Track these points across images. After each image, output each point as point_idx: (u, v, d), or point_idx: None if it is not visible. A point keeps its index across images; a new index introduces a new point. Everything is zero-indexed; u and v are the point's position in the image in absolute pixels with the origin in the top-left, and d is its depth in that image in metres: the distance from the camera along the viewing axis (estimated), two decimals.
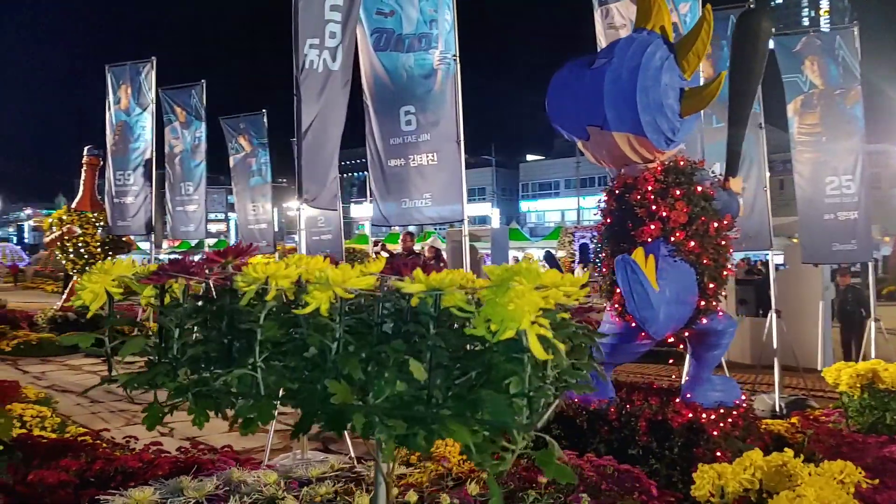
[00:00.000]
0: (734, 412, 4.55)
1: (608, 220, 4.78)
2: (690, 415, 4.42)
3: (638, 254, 4.07)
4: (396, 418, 1.29)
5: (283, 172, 28.03)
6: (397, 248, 14.07)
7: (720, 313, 4.69)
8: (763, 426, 5.94)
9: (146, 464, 4.28)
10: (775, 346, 8.92)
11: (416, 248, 12.28)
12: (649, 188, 4.47)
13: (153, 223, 12.50)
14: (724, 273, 4.61)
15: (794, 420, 6.16)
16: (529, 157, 77.89)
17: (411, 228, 13.12)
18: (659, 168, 4.55)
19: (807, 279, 11.50)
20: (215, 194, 56.00)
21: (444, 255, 17.73)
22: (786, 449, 3.06)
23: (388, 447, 1.32)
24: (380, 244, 13.85)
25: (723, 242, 4.59)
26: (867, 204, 9.11)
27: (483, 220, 62.18)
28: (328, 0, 5.90)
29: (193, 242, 29.74)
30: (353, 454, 5.74)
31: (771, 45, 8.36)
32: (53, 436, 5.60)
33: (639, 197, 4.49)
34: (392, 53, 7.10)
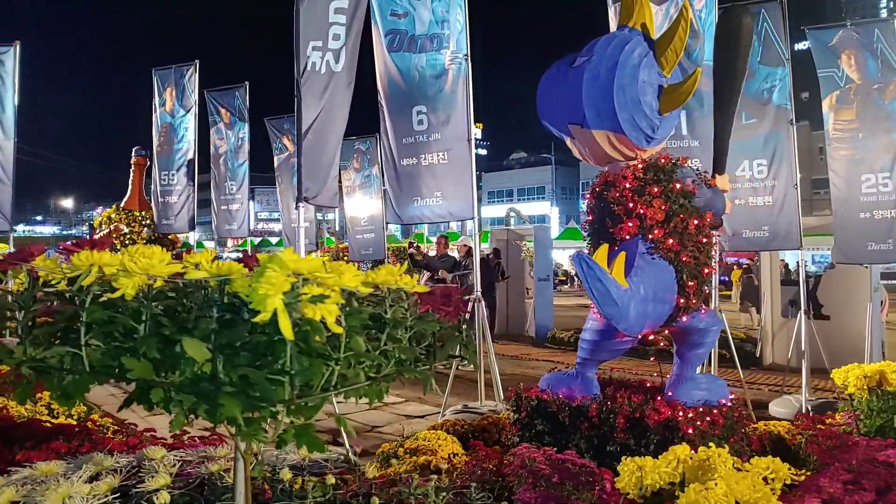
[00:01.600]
0: (714, 411, 4.51)
1: (591, 218, 4.80)
2: (668, 413, 4.40)
3: (601, 251, 4.08)
4: (188, 393, 1.39)
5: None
6: (431, 247, 14.19)
7: (703, 311, 4.66)
8: (763, 427, 5.86)
9: (130, 448, 4.47)
10: (803, 346, 8.72)
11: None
12: (627, 185, 4.47)
13: (195, 221, 12.90)
14: (706, 271, 4.57)
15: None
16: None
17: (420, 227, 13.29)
18: (640, 166, 4.54)
19: (855, 279, 11.21)
20: (271, 194, 57.12)
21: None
22: (781, 453, 3.05)
23: (177, 419, 1.42)
24: (413, 244, 14.03)
25: (704, 240, 4.55)
26: None
27: (542, 219, 61.92)
28: (333, 3, 6.06)
29: (257, 241, 30.49)
30: (348, 447, 5.88)
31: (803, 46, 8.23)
32: (73, 422, 5.89)
33: (617, 194, 4.50)
34: (405, 54, 7.23)
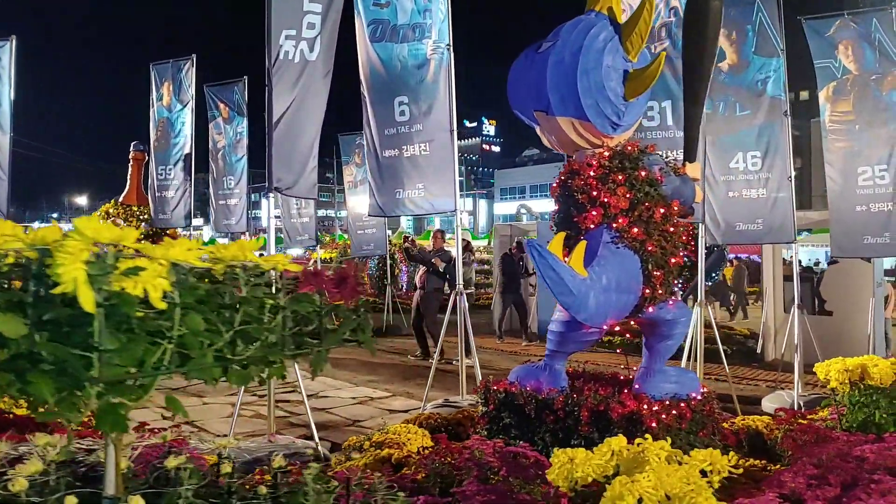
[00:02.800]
0: (682, 404, 4.40)
1: (557, 208, 4.70)
2: (633, 406, 4.30)
3: (556, 239, 3.99)
4: (5, 371, 1.32)
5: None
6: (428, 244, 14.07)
7: (671, 302, 4.55)
8: (741, 422, 5.75)
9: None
10: (796, 341, 8.57)
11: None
12: (591, 174, 4.37)
13: (192, 216, 12.89)
14: (673, 261, 4.46)
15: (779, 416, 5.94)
16: None
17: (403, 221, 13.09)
18: (606, 153, 4.44)
19: (858, 274, 11.04)
20: None
21: (494, 250, 17.66)
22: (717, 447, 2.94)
23: None
24: (408, 239, 13.94)
25: (671, 229, 4.44)
26: None
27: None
28: None
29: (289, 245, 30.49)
30: (317, 441, 5.83)
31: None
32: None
33: (581, 183, 4.40)
34: (387, 44, 7.15)
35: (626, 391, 4.52)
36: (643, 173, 4.34)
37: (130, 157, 14.16)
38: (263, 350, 1.65)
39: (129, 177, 14.25)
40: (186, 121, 12.74)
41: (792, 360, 9.55)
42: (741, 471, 2.87)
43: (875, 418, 5.47)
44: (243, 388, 6.67)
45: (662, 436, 4.25)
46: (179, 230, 13.52)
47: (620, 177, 4.31)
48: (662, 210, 4.37)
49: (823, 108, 9.12)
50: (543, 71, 4.43)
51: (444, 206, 7.07)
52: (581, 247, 4.11)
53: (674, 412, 4.32)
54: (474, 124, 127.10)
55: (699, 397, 4.59)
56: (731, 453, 5.23)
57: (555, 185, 4.65)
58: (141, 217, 14.01)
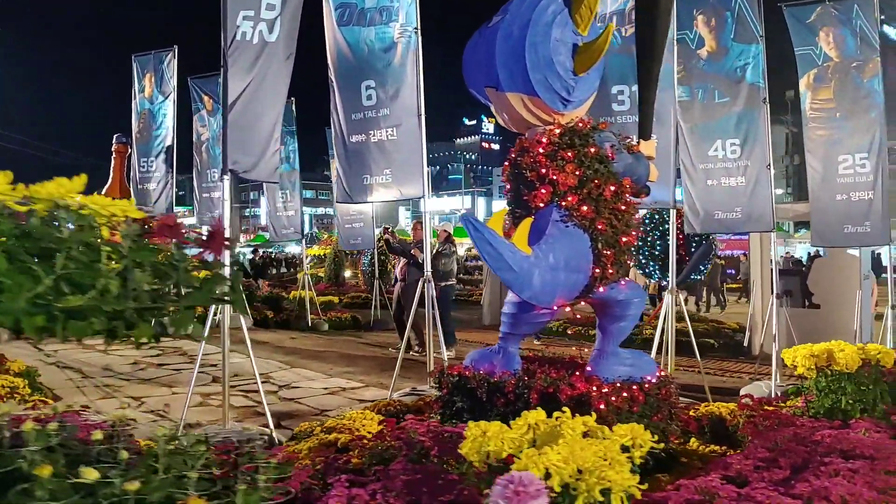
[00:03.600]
0: (634, 387, 4.30)
1: (509, 188, 4.60)
2: (583, 388, 4.20)
3: (496, 216, 3.89)
4: None
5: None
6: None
7: (622, 283, 4.44)
8: (705, 409, 5.64)
9: None
10: (774, 331, 8.46)
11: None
12: (540, 150, 4.26)
13: (172, 208, 12.79)
14: (624, 240, 4.35)
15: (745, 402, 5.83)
16: None
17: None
18: (557, 130, 4.34)
19: (845, 267, 10.94)
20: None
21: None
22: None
23: None
24: (387, 230, 13.82)
25: (622, 207, 4.34)
26: (885, 183, 8.51)
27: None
28: None
29: (266, 235, 30.31)
30: (272, 426, 5.74)
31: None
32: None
33: (530, 160, 4.30)
34: (354, 28, 7.05)
35: (577, 374, 4.42)
36: (593, 150, 4.23)
37: (113, 149, 14.03)
38: (98, 300, 1.54)
39: (111, 169, 14.11)
40: (168, 113, 12.64)
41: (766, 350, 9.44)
42: (662, 446, 2.77)
43: (841, 404, 5.37)
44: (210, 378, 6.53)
45: (612, 419, 4.17)
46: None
47: (569, 153, 4.21)
48: (613, 187, 4.27)
49: (804, 95, 9.02)
50: (492, 46, 4.33)
51: (413, 192, 6.96)
52: (525, 224, 4.01)
53: (624, 395, 4.21)
54: (473, 122, 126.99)
55: (654, 381, 4.48)
56: (693, 439, 5.17)
57: (506, 163, 4.54)
58: None
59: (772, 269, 9.10)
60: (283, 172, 15.16)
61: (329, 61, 7.21)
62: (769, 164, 8.43)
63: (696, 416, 5.44)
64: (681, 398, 7.21)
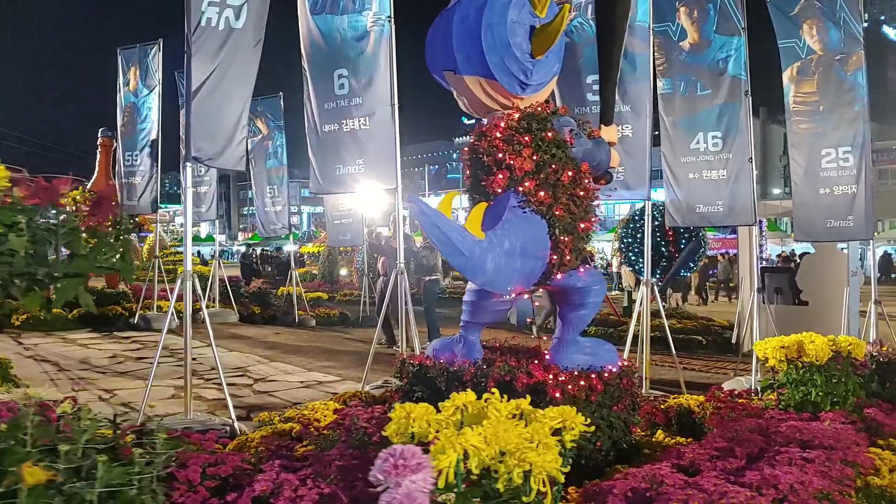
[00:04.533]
0: (593, 376, 4.21)
1: (468, 173, 4.51)
2: (540, 376, 4.12)
3: (444, 200, 3.80)
4: None
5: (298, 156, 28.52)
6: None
7: (581, 270, 4.36)
8: (674, 401, 5.57)
9: None
10: (755, 326, 8.39)
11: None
12: (497, 135, 4.18)
13: (158, 202, 12.73)
14: (583, 226, 4.27)
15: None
16: None
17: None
18: (515, 115, 4.26)
19: (833, 264, 10.86)
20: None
21: None
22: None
23: None
24: (373, 232, 13.76)
25: (581, 193, 4.25)
26: (868, 178, 8.43)
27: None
28: None
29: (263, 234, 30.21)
30: (233, 416, 5.66)
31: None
32: None
33: (487, 144, 4.21)
34: (327, 16, 6.97)
35: (536, 362, 4.34)
36: (550, 134, 4.15)
37: (98, 143, 13.99)
38: None
39: (97, 163, 14.07)
40: (153, 106, 12.57)
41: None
42: (592, 429, 2.68)
43: (812, 397, 5.29)
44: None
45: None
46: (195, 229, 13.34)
47: (526, 138, 4.12)
48: (571, 173, 4.19)
49: (787, 89, 8.92)
50: (450, 28, 4.25)
51: (385, 182, 6.88)
52: (478, 209, 3.93)
53: (582, 383, 4.12)
54: (473, 121, 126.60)
55: (615, 370, 4.40)
56: (660, 431, 5.09)
57: (465, 148, 4.45)
58: None
59: (757, 266, 9.01)
60: (271, 168, 15.12)
61: (302, 50, 7.14)
62: (751, 158, 8.35)
63: (664, 408, 5.37)
64: (656, 392, 7.16)
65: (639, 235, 15.22)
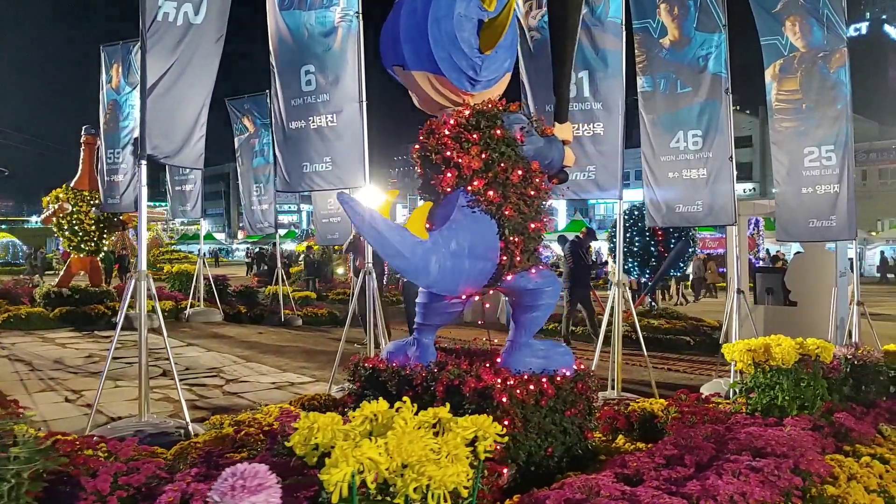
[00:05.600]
0: (543, 380, 4.09)
1: (419, 172, 4.39)
2: (489, 380, 4.00)
3: (386, 203, 3.68)
4: None
5: None
6: None
7: (533, 271, 4.23)
8: (637, 405, 5.44)
9: None
10: (735, 325, 8.26)
11: None
12: (445, 132, 4.06)
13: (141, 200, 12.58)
14: (533, 226, 4.15)
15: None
16: None
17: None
18: (466, 112, 4.14)
19: (821, 264, 10.74)
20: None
21: None
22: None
23: None
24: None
25: (532, 192, 4.13)
26: (851, 177, 8.29)
27: (550, 212, 61.02)
28: None
29: (251, 233, 30.07)
30: (188, 419, 5.55)
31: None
32: None
33: (435, 142, 4.09)
34: (295, 12, 6.85)
35: (487, 365, 4.22)
36: (499, 132, 4.03)
37: (82, 140, 13.87)
38: None
39: (80, 161, 13.95)
40: (136, 103, 12.42)
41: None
42: (506, 440, 2.56)
43: (778, 401, 5.17)
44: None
45: (516, 412, 3.98)
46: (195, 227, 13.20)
47: (475, 135, 4.00)
48: (521, 172, 4.06)
49: (770, 86, 8.77)
50: (398, 22, 4.13)
51: (353, 180, 6.76)
52: (423, 209, 3.82)
53: (531, 387, 4.01)
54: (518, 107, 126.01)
55: (569, 374, 4.28)
56: (621, 436, 4.97)
57: (415, 146, 4.33)
58: (92, 202, 13.71)
59: (737, 265, 8.89)
60: (258, 166, 15.01)
61: (270, 46, 7.03)
62: (731, 156, 8.23)
63: (627, 412, 5.25)
64: (628, 394, 7.04)
65: (626, 235, 15.11)
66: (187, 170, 13.75)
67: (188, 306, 14.79)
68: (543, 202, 4.21)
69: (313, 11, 6.77)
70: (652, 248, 15.25)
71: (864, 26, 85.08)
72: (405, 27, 4.09)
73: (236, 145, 15.26)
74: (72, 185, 13.91)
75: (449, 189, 4.08)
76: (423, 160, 4.26)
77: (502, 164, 4.02)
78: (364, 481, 2.15)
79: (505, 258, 4.06)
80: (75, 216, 13.58)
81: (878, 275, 38.34)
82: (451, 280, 3.92)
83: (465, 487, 2.22)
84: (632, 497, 3.02)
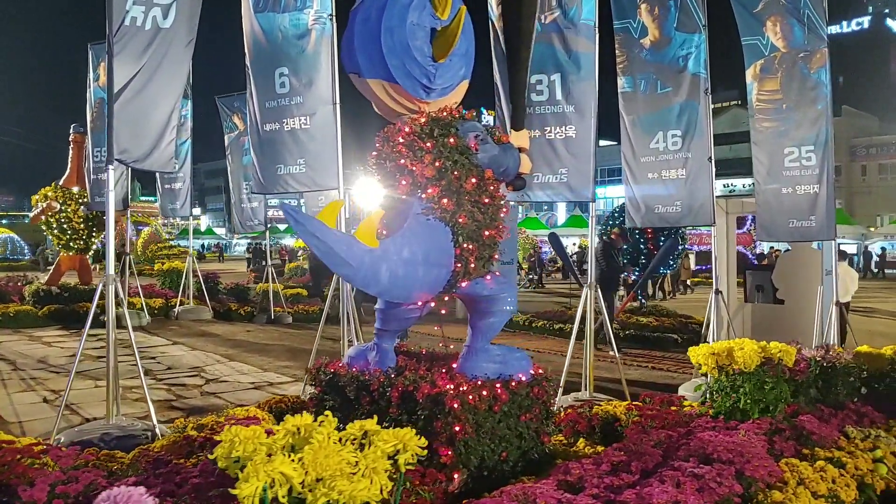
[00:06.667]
0: (497, 385, 4.12)
1: (378, 178, 4.41)
2: (443, 386, 4.03)
3: (327, 208, 3.70)
4: None
5: None
6: None
7: (488, 278, 4.26)
8: (600, 409, 5.47)
9: None
10: (713, 326, 8.29)
11: None
12: (400, 140, 4.08)
13: (129, 200, 12.66)
14: (487, 233, 4.17)
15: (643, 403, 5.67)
16: (602, 143, 76.24)
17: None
18: (422, 119, 4.16)
19: (808, 262, 10.76)
20: None
21: None
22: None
23: None
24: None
25: (486, 200, 4.16)
26: (830, 178, 8.31)
27: (550, 208, 61.20)
28: None
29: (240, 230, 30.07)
30: (155, 421, 5.58)
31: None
32: None
33: (389, 150, 4.12)
34: (269, 14, 6.87)
35: (443, 371, 4.26)
36: (452, 140, 4.05)
37: (70, 139, 13.91)
38: None
39: (69, 159, 13.99)
40: None
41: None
42: (425, 453, 2.58)
43: (740, 404, 5.20)
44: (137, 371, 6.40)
45: (467, 418, 4.01)
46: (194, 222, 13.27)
47: (428, 143, 4.03)
48: (475, 180, 4.09)
49: (750, 86, 8.80)
50: (353, 30, 4.16)
51: (327, 182, 6.79)
52: (374, 216, 3.84)
53: (484, 393, 4.04)
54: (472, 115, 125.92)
55: (525, 379, 4.31)
56: (581, 440, 5.01)
57: (372, 153, 4.36)
58: (80, 200, 13.76)
59: (714, 264, 8.91)
60: (248, 164, 15.02)
61: (246, 49, 7.05)
62: (710, 157, 8.24)
63: (589, 415, 5.28)
64: (600, 395, 7.06)
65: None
66: (177, 168, 13.76)
67: (178, 304, 14.84)
68: (498, 210, 4.23)
69: (287, 14, 6.79)
70: (642, 246, 15.27)
71: (865, 20, 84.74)
72: (359, 35, 4.12)
73: (226, 143, 15.28)
74: (60, 183, 13.95)
75: (404, 196, 4.11)
76: (378, 167, 4.29)
77: (455, 173, 4.04)
78: (276, 496, 2.18)
79: (459, 265, 4.09)
80: (64, 214, 13.64)
81: (876, 270, 38.39)
82: (404, 287, 3.96)
83: (380, 502, 2.25)
84: None
